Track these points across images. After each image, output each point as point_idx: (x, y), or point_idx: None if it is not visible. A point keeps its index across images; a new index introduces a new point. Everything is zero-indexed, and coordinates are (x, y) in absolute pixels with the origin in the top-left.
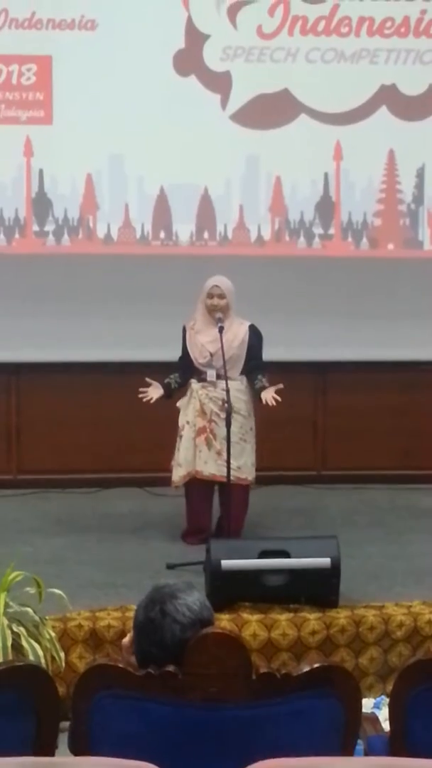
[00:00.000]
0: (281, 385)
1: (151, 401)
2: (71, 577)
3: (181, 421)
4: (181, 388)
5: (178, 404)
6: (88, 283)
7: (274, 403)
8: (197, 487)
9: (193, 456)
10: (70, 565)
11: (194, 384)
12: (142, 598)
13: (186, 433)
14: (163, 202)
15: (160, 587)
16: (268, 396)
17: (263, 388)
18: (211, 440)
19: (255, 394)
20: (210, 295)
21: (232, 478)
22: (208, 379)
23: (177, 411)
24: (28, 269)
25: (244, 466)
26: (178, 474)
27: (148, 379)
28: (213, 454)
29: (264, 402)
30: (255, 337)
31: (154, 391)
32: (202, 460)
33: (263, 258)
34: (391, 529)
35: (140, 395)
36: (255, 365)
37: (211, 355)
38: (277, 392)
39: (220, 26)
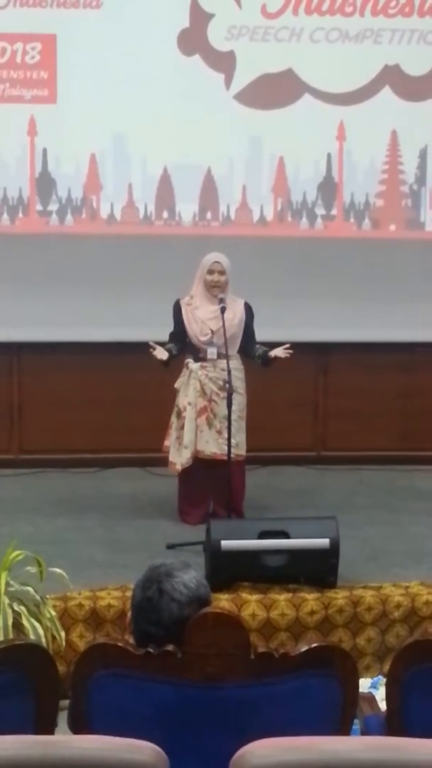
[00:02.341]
0: (288, 345)
1: (158, 357)
2: (72, 557)
3: (182, 402)
4: (177, 359)
5: (176, 385)
6: (91, 262)
7: (288, 355)
8: (196, 467)
9: (194, 437)
10: (70, 545)
11: (192, 365)
12: (139, 578)
13: (188, 414)
14: (166, 182)
15: (156, 566)
16: (279, 351)
17: (267, 351)
18: (211, 420)
19: (261, 358)
20: (210, 271)
21: (231, 455)
22: (209, 357)
23: (175, 390)
24: (31, 249)
25: (241, 442)
26: (185, 456)
27: (151, 342)
28: (213, 433)
29: (273, 357)
30: (250, 315)
31: (160, 353)
32: (203, 440)
33: (266, 238)
34: (390, 510)
35: (150, 349)
36: (249, 341)
37: (213, 332)
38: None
39: (225, 5)
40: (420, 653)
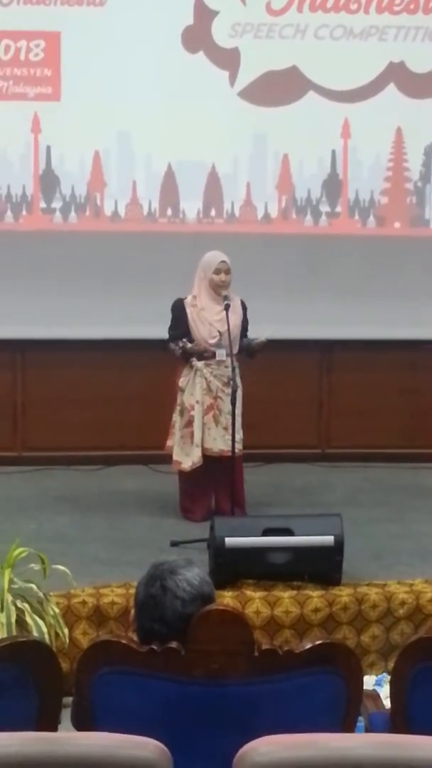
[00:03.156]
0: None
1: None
2: (75, 554)
3: (188, 401)
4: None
5: (180, 384)
6: (95, 260)
7: (266, 337)
8: (201, 465)
9: (202, 434)
10: (74, 542)
11: (197, 363)
12: (142, 576)
13: (197, 413)
14: (170, 179)
15: (160, 564)
16: (260, 333)
17: (248, 343)
18: (218, 416)
19: (245, 351)
20: (218, 271)
21: (235, 450)
22: (217, 358)
23: (178, 389)
24: (35, 246)
25: (240, 437)
26: (196, 455)
27: (184, 344)
28: (220, 430)
29: (256, 337)
30: (245, 312)
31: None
32: (211, 437)
33: (270, 236)
34: (395, 508)
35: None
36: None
37: (221, 334)
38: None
39: (229, 2)
40: (424, 651)
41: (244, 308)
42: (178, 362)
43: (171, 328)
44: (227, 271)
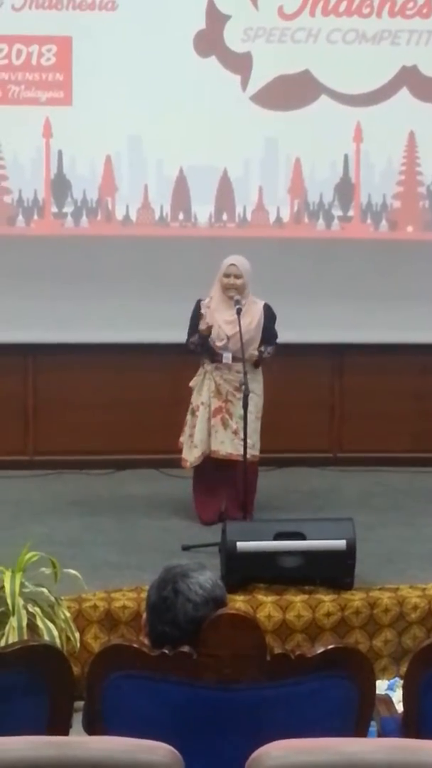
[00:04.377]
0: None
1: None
2: (87, 558)
3: (196, 401)
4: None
5: (191, 384)
6: (106, 264)
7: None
8: (210, 466)
9: (207, 436)
10: (85, 546)
11: (207, 365)
12: (154, 579)
13: (201, 414)
14: (182, 183)
15: (172, 567)
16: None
17: (261, 352)
18: (227, 420)
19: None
20: (227, 275)
21: (247, 455)
22: (224, 361)
23: (192, 392)
24: (46, 250)
25: (256, 443)
26: (194, 455)
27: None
28: (229, 433)
29: (258, 352)
30: (269, 319)
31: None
32: (219, 440)
33: (282, 240)
34: (407, 512)
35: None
36: (264, 342)
37: (228, 338)
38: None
39: (242, 6)
40: None
41: (269, 313)
42: (198, 360)
43: (189, 334)
44: (237, 276)
